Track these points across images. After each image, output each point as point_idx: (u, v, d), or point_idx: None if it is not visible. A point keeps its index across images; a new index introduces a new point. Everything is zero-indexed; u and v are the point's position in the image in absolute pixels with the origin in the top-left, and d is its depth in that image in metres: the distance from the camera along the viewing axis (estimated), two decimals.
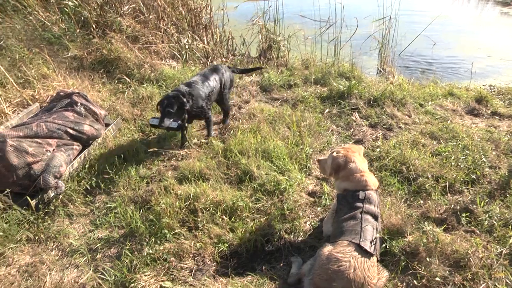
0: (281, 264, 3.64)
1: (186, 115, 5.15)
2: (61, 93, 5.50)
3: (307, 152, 5.12)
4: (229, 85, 5.86)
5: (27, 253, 3.84)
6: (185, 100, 4.94)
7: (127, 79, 6.96)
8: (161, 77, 7.12)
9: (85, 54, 7.34)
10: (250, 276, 3.47)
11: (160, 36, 8.19)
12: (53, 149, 4.69)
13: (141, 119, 6.02)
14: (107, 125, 5.57)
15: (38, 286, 3.46)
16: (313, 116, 6.04)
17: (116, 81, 6.99)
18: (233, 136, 5.42)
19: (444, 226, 3.83)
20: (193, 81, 5.30)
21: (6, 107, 5.71)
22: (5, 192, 4.14)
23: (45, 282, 3.50)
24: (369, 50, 9.27)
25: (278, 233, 3.88)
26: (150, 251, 3.66)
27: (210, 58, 8.37)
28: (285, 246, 3.80)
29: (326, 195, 4.39)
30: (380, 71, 8.54)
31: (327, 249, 3.22)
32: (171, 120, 4.89)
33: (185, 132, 5.39)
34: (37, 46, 7.07)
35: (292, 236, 3.90)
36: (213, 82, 5.47)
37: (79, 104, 5.26)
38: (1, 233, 3.91)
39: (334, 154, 3.70)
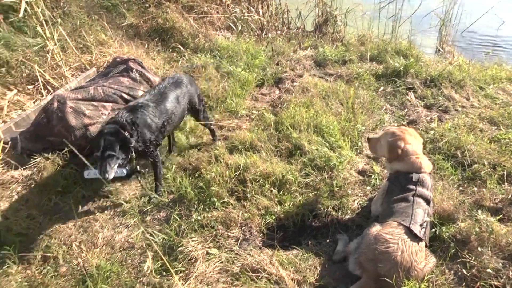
0: (327, 241, 3.63)
1: (134, 154, 3.84)
2: (118, 59, 5.66)
3: (359, 129, 5.03)
4: (198, 100, 4.58)
5: (82, 210, 4.03)
6: (127, 134, 3.70)
7: (182, 48, 7.03)
8: (215, 47, 7.13)
9: (141, 22, 7.46)
10: (295, 249, 3.49)
11: (215, 7, 8.17)
12: (108, 113, 4.83)
13: None
14: None
15: (92, 241, 3.66)
16: (367, 94, 5.90)
17: (171, 50, 7.07)
18: (285, 109, 5.38)
19: (500, 217, 3.64)
20: (141, 104, 3.99)
21: (66, 70, 5.94)
22: (64, 151, 4.35)
23: (98, 238, 3.70)
24: (428, 27, 8.84)
25: (325, 210, 3.86)
26: (198, 218, 3.75)
27: (264, 30, 8.27)
28: (332, 222, 3.78)
29: (376, 174, 4.31)
30: (439, 50, 8.14)
31: (375, 229, 3.18)
32: (116, 166, 3.64)
33: (140, 178, 4.23)
34: (96, 13, 7.24)
35: (339, 213, 3.87)
36: (173, 103, 4.16)
37: (134, 70, 5.38)
38: (60, 189, 4.12)
39: (390, 138, 3.58)
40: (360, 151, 4.77)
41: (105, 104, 4.87)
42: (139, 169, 4.06)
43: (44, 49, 5.90)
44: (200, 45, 7.20)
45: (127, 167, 3.88)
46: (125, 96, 5.05)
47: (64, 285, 3.27)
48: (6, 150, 4.42)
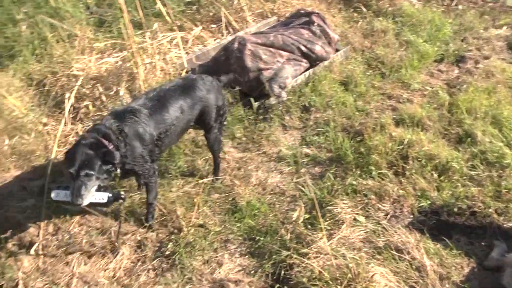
0: (482, 243, 3.33)
1: (119, 171, 2.99)
2: (301, 11, 5.76)
3: None
4: (215, 114, 3.57)
5: (239, 150, 4.32)
6: (111, 147, 2.88)
7: (364, 9, 6.78)
8: (399, 13, 6.72)
9: None
10: (444, 242, 3.28)
11: None
12: (283, 61, 4.99)
13: (370, 52, 5.86)
14: (337, 50, 5.61)
15: (246, 180, 3.90)
16: None
17: (352, 10, 6.88)
18: (463, 92, 4.95)
19: None
20: (131, 109, 3.15)
21: (248, 15, 6.27)
22: (236, 89, 4.69)
23: (252, 176, 3.93)
24: None
25: (486, 210, 3.51)
26: (353, 182, 3.73)
27: (455, 1, 7.48)
28: (491, 225, 3.43)
29: None
30: None
31: None
32: (93, 189, 2.84)
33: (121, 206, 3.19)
34: None
35: (502, 218, 3.49)
36: (174, 113, 3.26)
37: (316, 24, 5.39)
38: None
39: None
40: None
41: (281, 52, 5.03)
42: (123, 196, 3.04)
43: None
44: (383, 8, 6.86)
45: (109, 195, 2.92)
46: (303, 48, 5.12)
47: (215, 210, 3.60)
48: None
